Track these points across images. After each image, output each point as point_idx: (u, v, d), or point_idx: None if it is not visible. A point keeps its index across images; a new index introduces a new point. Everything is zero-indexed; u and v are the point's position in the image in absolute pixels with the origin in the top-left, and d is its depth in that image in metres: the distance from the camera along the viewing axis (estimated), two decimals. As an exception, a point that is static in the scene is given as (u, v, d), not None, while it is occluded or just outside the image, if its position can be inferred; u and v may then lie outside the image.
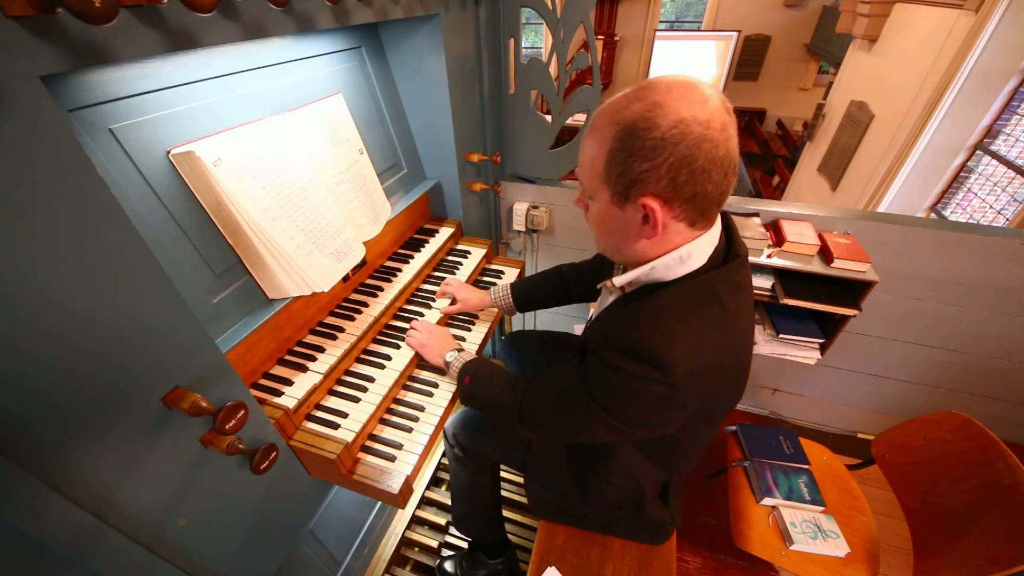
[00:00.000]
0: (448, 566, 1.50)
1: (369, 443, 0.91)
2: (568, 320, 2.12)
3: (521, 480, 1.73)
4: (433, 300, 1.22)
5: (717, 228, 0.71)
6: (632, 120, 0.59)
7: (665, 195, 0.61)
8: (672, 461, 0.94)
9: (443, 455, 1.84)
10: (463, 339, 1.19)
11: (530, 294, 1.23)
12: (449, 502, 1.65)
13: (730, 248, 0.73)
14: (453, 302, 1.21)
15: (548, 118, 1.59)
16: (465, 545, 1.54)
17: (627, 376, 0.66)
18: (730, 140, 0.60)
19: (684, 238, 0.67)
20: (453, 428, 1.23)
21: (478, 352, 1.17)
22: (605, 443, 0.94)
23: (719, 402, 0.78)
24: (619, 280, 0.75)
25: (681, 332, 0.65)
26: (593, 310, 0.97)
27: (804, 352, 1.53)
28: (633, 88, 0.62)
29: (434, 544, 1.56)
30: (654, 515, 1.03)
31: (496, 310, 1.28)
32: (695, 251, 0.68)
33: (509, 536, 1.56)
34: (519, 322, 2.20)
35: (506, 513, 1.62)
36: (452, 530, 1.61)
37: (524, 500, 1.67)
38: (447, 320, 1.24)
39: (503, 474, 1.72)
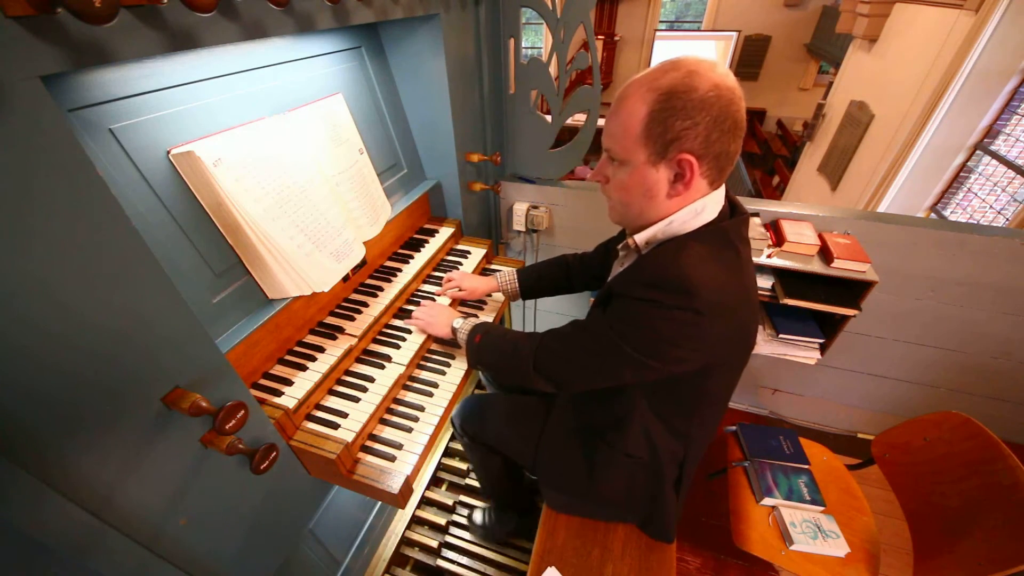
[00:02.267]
0: (477, 516, 1.58)
1: (369, 443, 0.91)
2: (569, 320, 2.12)
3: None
4: (433, 300, 1.22)
5: (723, 188, 0.78)
6: (672, 85, 0.66)
7: (699, 151, 0.68)
8: (686, 429, 0.94)
9: (443, 455, 1.84)
10: (466, 316, 1.19)
11: (535, 280, 1.26)
12: (450, 502, 1.66)
13: (734, 206, 0.80)
14: (459, 291, 1.23)
15: (548, 118, 1.59)
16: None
17: (653, 305, 0.71)
18: (744, 107, 0.68)
19: (701, 194, 0.74)
20: (460, 418, 1.24)
21: None
22: (619, 408, 0.95)
23: (734, 350, 0.81)
24: (641, 237, 0.80)
25: (703, 265, 0.70)
26: (611, 275, 1.00)
27: (804, 352, 1.53)
28: (661, 63, 0.69)
29: (434, 544, 1.56)
30: (667, 503, 1.03)
31: (499, 304, 1.29)
32: (708, 205, 0.75)
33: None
34: (519, 319, 2.20)
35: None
36: (453, 530, 1.61)
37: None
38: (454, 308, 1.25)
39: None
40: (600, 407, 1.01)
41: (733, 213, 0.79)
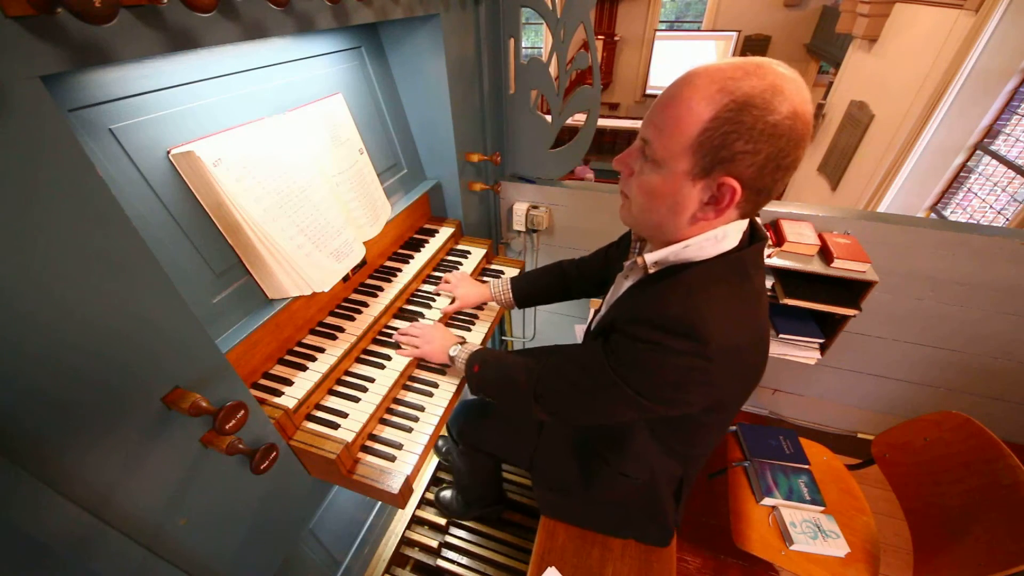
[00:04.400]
0: (446, 495, 1.61)
1: (369, 443, 0.91)
2: (568, 320, 2.12)
3: (522, 480, 1.74)
4: (433, 300, 1.22)
5: None
6: (749, 95, 0.55)
7: (747, 181, 0.59)
8: (687, 451, 0.93)
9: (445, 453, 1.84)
10: (463, 340, 1.19)
11: (530, 289, 1.22)
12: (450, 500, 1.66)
13: (754, 231, 0.73)
14: (452, 301, 1.21)
15: (548, 118, 1.59)
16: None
17: (660, 349, 0.64)
18: (807, 145, 0.59)
19: (726, 221, 0.67)
20: (456, 425, 1.23)
21: None
22: (619, 430, 0.94)
23: (742, 386, 0.76)
24: (651, 257, 0.71)
25: (717, 307, 0.64)
26: (608, 295, 0.95)
27: (804, 352, 1.53)
28: (741, 61, 0.57)
29: (434, 544, 1.56)
30: (665, 516, 1.02)
31: (496, 309, 1.28)
32: (730, 232, 0.67)
33: (506, 535, 1.57)
34: (519, 322, 2.20)
35: (505, 515, 1.62)
36: (452, 530, 1.61)
37: (522, 500, 1.67)
38: (447, 320, 1.24)
39: (506, 475, 1.72)
40: (597, 427, 1.00)
41: (753, 237, 0.72)
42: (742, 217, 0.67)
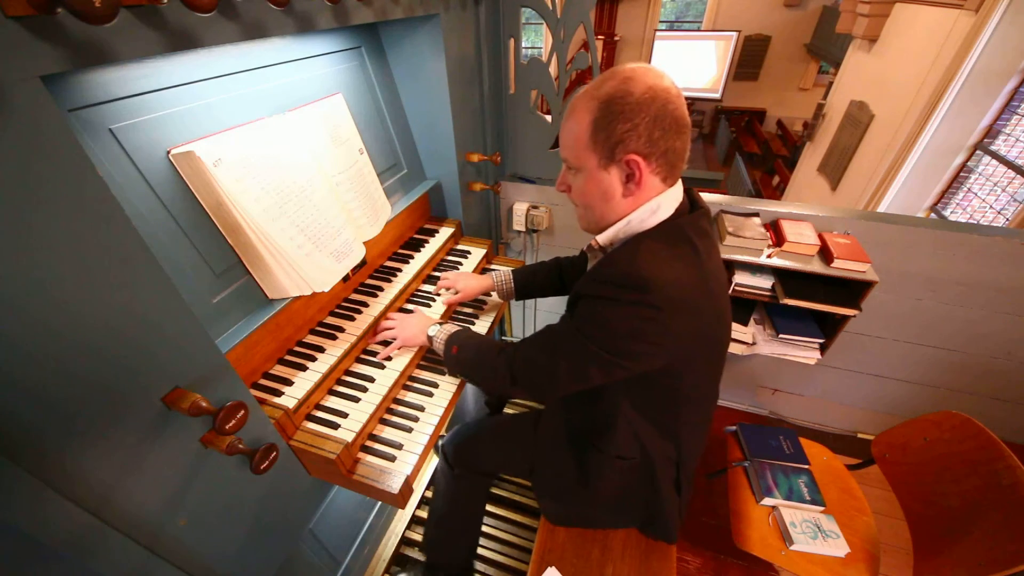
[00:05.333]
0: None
1: (369, 443, 0.91)
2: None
3: (521, 480, 1.74)
4: (433, 300, 1.22)
5: (680, 186, 0.82)
6: (609, 92, 0.72)
7: (645, 151, 0.73)
8: (673, 426, 0.94)
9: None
10: (443, 321, 1.18)
11: (529, 280, 1.27)
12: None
13: (693, 202, 0.84)
14: (456, 294, 1.22)
15: (548, 118, 1.59)
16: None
17: (610, 302, 0.74)
18: (684, 105, 0.73)
19: (656, 192, 0.78)
20: (453, 450, 1.22)
21: None
22: (604, 414, 0.95)
23: (699, 348, 0.82)
24: (602, 237, 0.85)
25: (658, 261, 0.74)
26: None
27: (804, 352, 1.53)
28: (602, 74, 0.75)
29: (434, 544, 1.56)
30: (667, 507, 1.03)
31: (497, 306, 1.29)
32: (664, 203, 0.79)
33: (506, 535, 1.57)
34: (519, 318, 2.20)
35: (504, 512, 1.62)
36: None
37: (522, 500, 1.67)
38: (451, 314, 1.25)
39: (504, 474, 1.73)
40: (585, 412, 1.01)
41: (693, 209, 0.82)
42: (665, 181, 0.78)
